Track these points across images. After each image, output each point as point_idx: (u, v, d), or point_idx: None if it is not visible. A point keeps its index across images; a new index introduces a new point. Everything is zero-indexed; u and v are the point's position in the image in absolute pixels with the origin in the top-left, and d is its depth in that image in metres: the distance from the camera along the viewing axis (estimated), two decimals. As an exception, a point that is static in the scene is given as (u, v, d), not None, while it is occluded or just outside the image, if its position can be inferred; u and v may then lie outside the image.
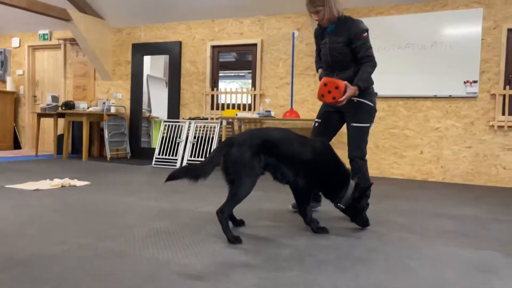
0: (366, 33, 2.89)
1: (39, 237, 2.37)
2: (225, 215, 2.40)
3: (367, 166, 3.03)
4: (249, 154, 2.42)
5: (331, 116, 3.14)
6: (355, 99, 2.95)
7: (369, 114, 3.01)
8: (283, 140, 2.57)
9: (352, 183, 2.66)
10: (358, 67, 2.93)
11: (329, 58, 3.03)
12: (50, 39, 8.06)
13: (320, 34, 3.13)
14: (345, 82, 2.82)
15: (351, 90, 2.81)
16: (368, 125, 3.01)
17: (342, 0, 2.93)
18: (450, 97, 5.33)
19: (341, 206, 2.66)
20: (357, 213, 2.69)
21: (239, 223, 2.78)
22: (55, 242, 2.27)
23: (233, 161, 2.41)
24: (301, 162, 2.57)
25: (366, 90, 2.95)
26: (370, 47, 2.90)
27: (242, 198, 2.44)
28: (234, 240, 2.35)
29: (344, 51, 2.95)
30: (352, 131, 3.02)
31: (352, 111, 3.01)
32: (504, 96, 5.12)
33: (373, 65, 2.89)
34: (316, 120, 3.21)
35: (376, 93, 3.10)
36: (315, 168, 2.60)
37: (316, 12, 2.92)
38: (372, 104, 3.01)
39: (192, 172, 2.44)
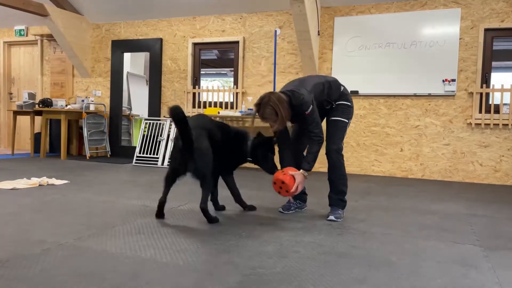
0: (310, 109, 2.83)
1: (18, 237, 2.30)
2: None
3: (343, 161, 3.01)
4: None
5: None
6: (334, 103, 3.04)
7: (347, 112, 3.06)
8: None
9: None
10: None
11: None
12: (27, 35, 7.85)
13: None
14: (292, 173, 2.82)
15: (299, 177, 2.82)
16: (346, 121, 3.05)
17: (284, 97, 2.82)
18: (429, 95, 5.42)
19: None
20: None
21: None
22: (34, 242, 2.21)
23: None
24: None
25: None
26: (317, 124, 2.87)
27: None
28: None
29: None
30: (329, 125, 3.06)
31: (332, 109, 3.06)
32: (481, 94, 5.24)
33: (319, 143, 2.87)
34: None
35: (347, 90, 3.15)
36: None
37: (272, 124, 2.88)
38: (349, 103, 3.08)
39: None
